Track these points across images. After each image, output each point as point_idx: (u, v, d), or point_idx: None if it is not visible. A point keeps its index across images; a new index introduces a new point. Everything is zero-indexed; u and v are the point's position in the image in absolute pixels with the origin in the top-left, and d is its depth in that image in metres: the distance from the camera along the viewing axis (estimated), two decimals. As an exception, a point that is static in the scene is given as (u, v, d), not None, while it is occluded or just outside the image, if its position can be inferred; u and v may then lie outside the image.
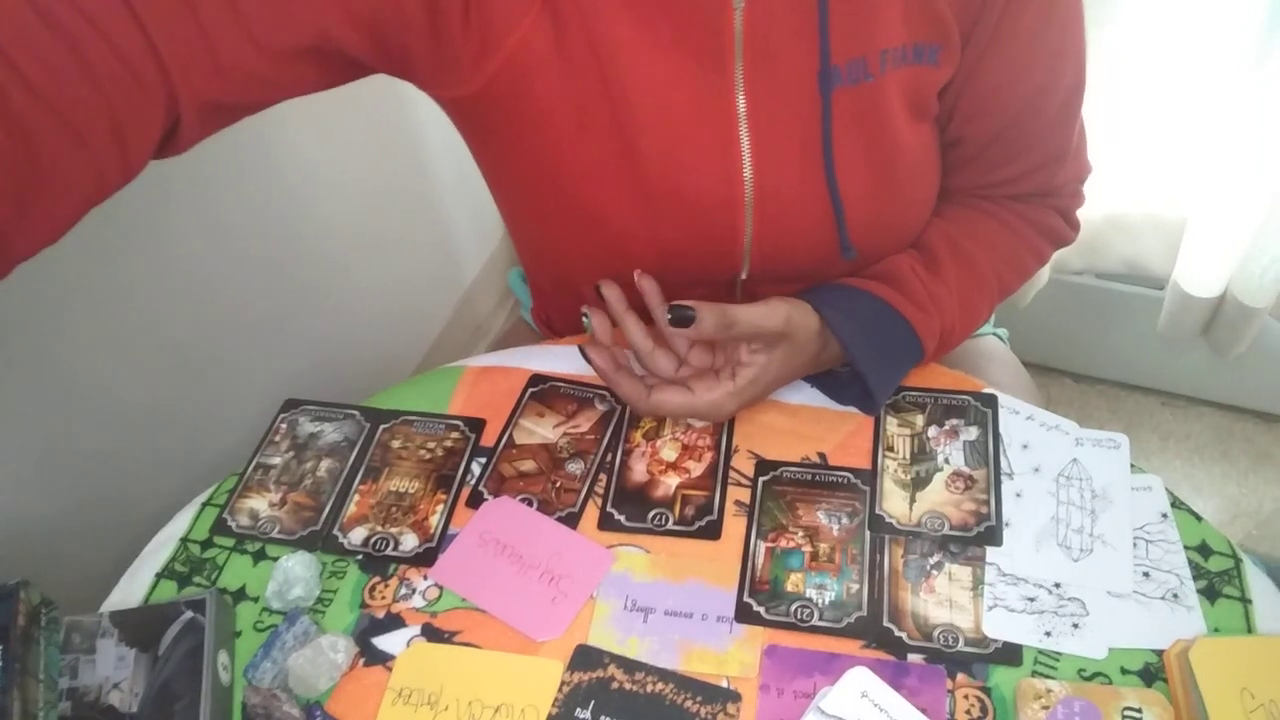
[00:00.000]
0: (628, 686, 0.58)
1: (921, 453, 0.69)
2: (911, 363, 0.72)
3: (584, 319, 0.70)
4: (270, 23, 0.55)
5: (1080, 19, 0.69)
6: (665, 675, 0.58)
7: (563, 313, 0.89)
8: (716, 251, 0.71)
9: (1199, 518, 0.64)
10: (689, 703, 0.56)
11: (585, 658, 0.59)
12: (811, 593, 0.61)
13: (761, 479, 0.68)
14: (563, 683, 0.58)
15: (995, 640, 0.58)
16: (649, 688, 0.57)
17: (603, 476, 0.70)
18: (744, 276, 0.74)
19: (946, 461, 0.68)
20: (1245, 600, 0.60)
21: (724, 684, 0.57)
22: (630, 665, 0.58)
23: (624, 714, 0.56)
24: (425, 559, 0.66)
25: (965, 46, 0.67)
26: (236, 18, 0.54)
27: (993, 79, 0.69)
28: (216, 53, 0.53)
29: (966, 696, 0.56)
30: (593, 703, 0.57)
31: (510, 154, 0.70)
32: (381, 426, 0.75)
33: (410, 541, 0.67)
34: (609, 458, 0.71)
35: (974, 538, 0.63)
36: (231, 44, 0.54)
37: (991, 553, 0.63)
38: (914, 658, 0.58)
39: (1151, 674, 0.57)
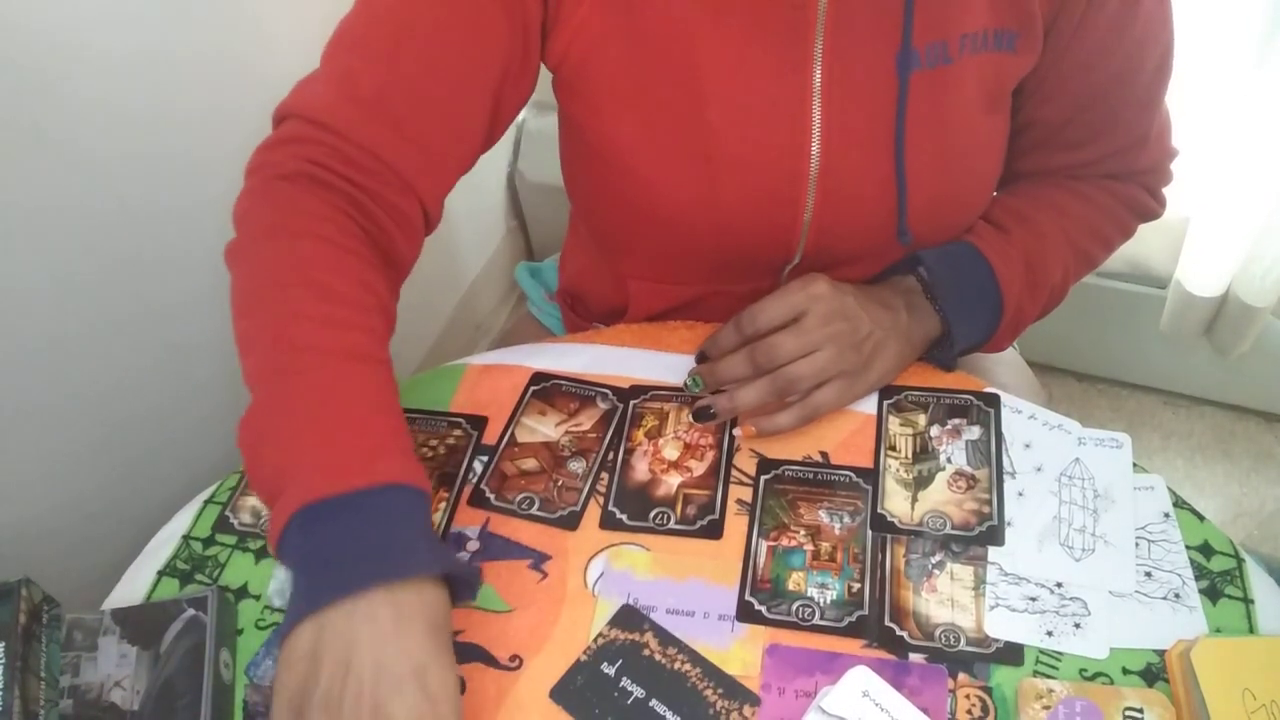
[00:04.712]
0: (658, 658, 0.58)
1: (923, 452, 0.69)
2: (991, 298, 0.72)
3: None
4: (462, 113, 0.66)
5: (1167, 7, 0.69)
6: (696, 659, 0.58)
7: (604, 300, 0.88)
8: (775, 227, 0.71)
9: (1201, 517, 0.64)
10: (709, 691, 0.57)
11: (628, 618, 0.60)
12: (813, 592, 0.61)
13: (763, 477, 0.68)
14: (600, 634, 0.59)
15: (997, 640, 0.58)
16: (677, 664, 0.58)
17: (604, 475, 0.70)
18: (797, 260, 0.74)
19: (949, 461, 0.68)
20: (1247, 600, 0.60)
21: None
22: (667, 639, 0.59)
23: (646, 681, 0.57)
24: (427, 557, 0.65)
25: (1048, 33, 0.67)
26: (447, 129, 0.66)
27: (1071, 64, 0.69)
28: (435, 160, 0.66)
29: (968, 696, 0.56)
30: (620, 661, 0.58)
31: (579, 125, 0.71)
32: (383, 425, 0.75)
33: (412, 540, 0.67)
34: (611, 456, 0.71)
35: (975, 537, 0.63)
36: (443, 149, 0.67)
37: (993, 552, 0.63)
38: (915, 657, 0.58)
39: (1153, 674, 0.57)
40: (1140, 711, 0.54)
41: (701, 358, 0.73)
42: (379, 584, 0.50)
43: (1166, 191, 0.83)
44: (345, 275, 0.60)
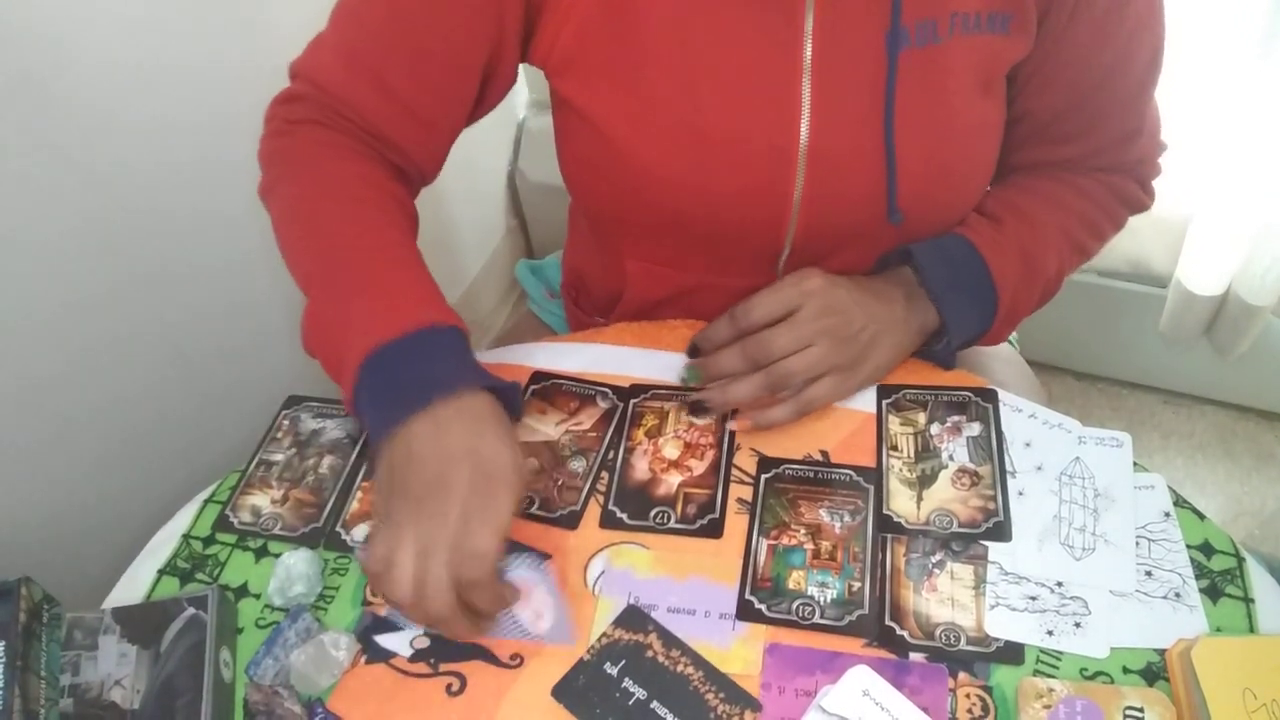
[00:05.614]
0: (661, 659, 0.58)
1: (925, 450, 0.69)
2: (985, 290, 0.72)
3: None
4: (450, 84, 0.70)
5: (1158, 2, 0.70)
6: (699, 662, 0.58)
7: (604, 288, 0.88)
8: (765, 205, 0.71)
9: (1202, 516, 0.64)
10: (710, 695, 0.57)
11: (633, 619, 0.60)
12: (813, 590, 0.61)
13: (764, 476, 0.68)
14: (604, 634, 0.59)
15: (997, 639, 0.58)
16: (679, 667, 0.58)
17: (605, 474, 0.70)
18: (787, 251, 0.74)
19: (951, 458, 0.68)
20: (1248, 600, 0.60)
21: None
22: (670, 640, 0.59)
23: (648, 683, 0.57)
24: (427, 556, 0.65)
25: (1042, 23, 0.68)
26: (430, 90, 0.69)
27: (1064, 55, 0.69)
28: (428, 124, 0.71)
29: (968, 695, 0.56)
30: (623, 662, 0.58)
31: (572, 106, 0.71)
32: (383, 424, 0.75)
33: (412, 539, 0.67)
34: (611, 455, 0.71)
35: (983, 533, 0.63)
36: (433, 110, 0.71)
37: (994, 551, 0.63)
38: (916, 656, 0.58)
39: (1153, 673, 0.57)
40: (1141, 711, 0.54)
41: (694, 350, 0.74)
42: (429, 404, 0.58)
43: (1167, 190, 0.83)
44: (366, 184, 0.69)
